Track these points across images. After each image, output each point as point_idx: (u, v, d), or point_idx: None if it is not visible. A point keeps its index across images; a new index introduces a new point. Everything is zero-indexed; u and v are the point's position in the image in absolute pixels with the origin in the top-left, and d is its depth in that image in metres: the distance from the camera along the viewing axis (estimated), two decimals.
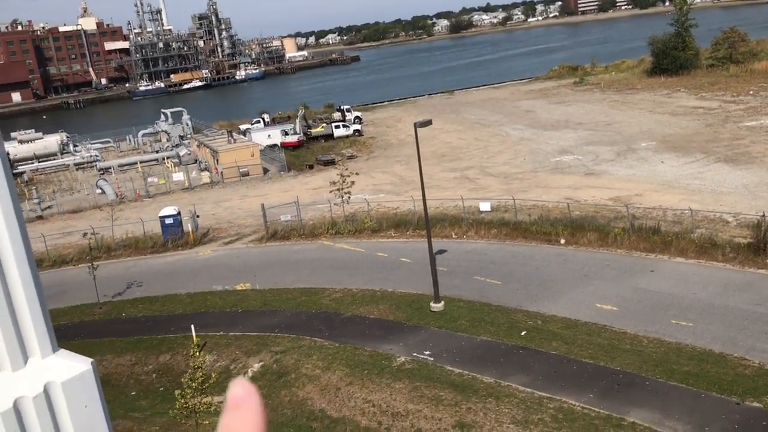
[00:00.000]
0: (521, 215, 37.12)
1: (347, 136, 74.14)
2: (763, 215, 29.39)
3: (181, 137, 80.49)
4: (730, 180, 40.59)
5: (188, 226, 41.75)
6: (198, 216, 43.54)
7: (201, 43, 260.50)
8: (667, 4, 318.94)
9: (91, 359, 1.39)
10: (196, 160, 67.24)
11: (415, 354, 24.09)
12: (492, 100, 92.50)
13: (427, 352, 24.10)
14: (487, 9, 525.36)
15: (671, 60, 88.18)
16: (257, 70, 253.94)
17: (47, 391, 1.29)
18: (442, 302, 27.54)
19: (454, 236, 36.49)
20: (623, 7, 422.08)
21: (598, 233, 33.18)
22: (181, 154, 69.87)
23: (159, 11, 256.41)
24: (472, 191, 44.97)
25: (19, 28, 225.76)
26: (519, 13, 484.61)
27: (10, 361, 1.21)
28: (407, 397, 21.60)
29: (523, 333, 24.63)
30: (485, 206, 38.64)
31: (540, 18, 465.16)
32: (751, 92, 69.32)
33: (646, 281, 27.97)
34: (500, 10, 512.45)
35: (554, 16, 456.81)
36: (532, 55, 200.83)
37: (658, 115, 64.17)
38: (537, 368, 22.31)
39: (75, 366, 1.32)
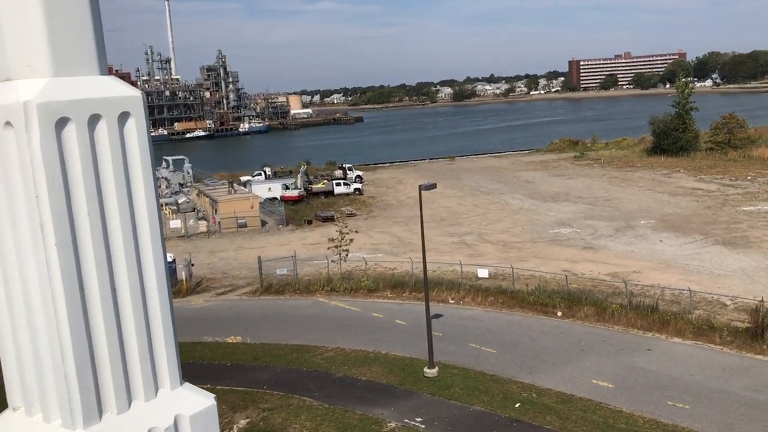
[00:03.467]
0: (518, 284, 36.94)
1: (347, 194, 74.50)
2: (762, 300, 29.27)
3: (181, 185, 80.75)
4: (728, 263, 40.62)
5: (182, 274, 41.39)
6: (193, 264, 43.22)
7: (207, 94, 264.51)
8: (667, 86, 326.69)
9: (214, 395, 1.30)
10: (194, 209, 67.25)
11: (406, 420, 23.52)
12: (492, 168, 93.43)
13: (419, 419, 23.53)
14: (491, 80, 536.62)
15: (672, 141, 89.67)
16: (261, 124, 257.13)
17: (176, 423, 1.22)
18: (437, 368, 27.07)
19: (451, 301, 36.20)
20: (625, 87, 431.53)
21: (595, 308, 32.96)
22: (179, 201, 69.93)
23: (168, 60, 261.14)
24: (470, 257, 44.86)
25: None
26: (522, 85, 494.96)
27: (144, 391, 1.15)
28: None
29: (517, 405, 24.13)
30: (483, 273, 38.48)
31: (542, 92, 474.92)
32: (749, 177, 70.17)
33: (643, 360, 27.61)
34: (503, 81, 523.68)
35: (556, 91, 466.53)
36: (533, 127, 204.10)
37: (658, 194, 64.73)
38: None
39: (201, 400, 1.25)
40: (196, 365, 29.30)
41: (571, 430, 22.21)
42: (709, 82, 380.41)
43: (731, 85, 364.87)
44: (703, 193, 63.56)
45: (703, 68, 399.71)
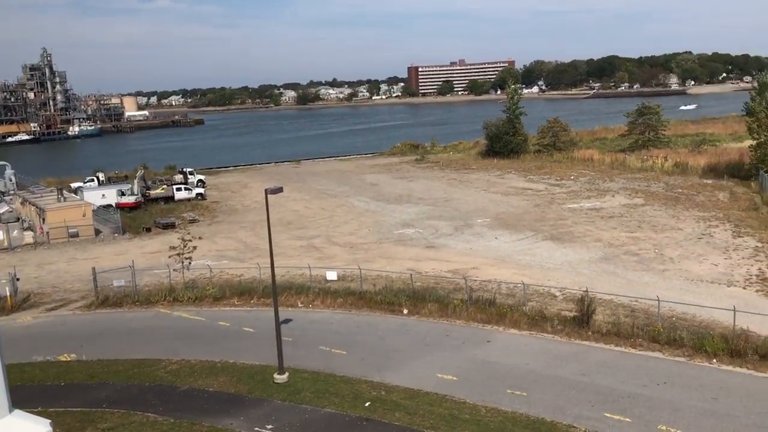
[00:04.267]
0: (366, 285, 37.54)
1: (189, 200, 72.07)
2: (586, 290, 31.82)
3: (2, 193, 74.22)
4: (556, 257, 43.79)
5: (5, 290, 37.98)
6: (18, 279, 39.81)
7: (31, 94, 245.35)
8: (499, 92, 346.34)
9: (49, 420, 1.16)
10: (18, 218, 61.93)
11: (256, 428, 23.10)
12: (338, 171, 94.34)
13: (270, 426, 23.21)
14: (334, 84, 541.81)
15: (503, 144, 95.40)
16: (92, 127, 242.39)
17: None
18: (287, 373, 26.85)
19: (300, 305, 36.07)
20: (460, 92, 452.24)
21: (438, 304, 34.23)
22: (0, 211, 64.12)
23: None
24: (319, 260, 44.99)
25: None
26: (364, 90, 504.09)
27: None
28: None
29: (367, 404, 24.50)
30: (332, 275, 38.70)
31: (384, 96, 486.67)
32: (572, 177, 76.13)
33: (484, 352, 29.06)
34: (346, 86, 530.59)
35: (397, 96, 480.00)
36: (376, 131, 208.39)
37: (492, 194, 68.48)
38: None
39: (34, 428, 1.11)
40: (24, 388, 26.97)
41: (419, 425, 22.89)
42: (535, 89, 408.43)
43: (555, 92, 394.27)
44: (533, 192, 68.08)
45: (530, 76, 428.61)
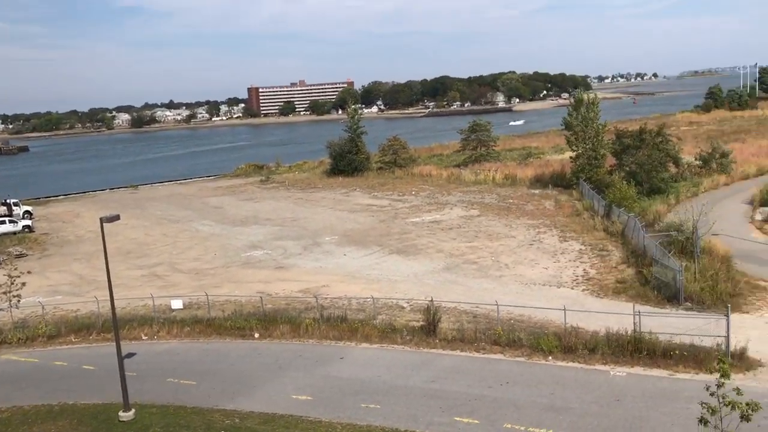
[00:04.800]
0: (214, 311, 36.65)
1: (15, 233, 66.55)
2: (431, 300, 33.12)
3: None
4: (402, 269, 45.17)
5: None
6: None
7: None
8: (340, 112, 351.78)
9: None
10: None
11: None
12: (179, 195, 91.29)
13: None
14: (171, 106, 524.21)
15: (347, 162, 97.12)
16: None
17: None
18: (133, 410, 25.54)
19: (144, 337, 34.45)
20: (302, 113, 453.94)
21: (290, 325, 34.11)
22: None
23: None
24: (162, 289, 43.26)
25: None
26: (203, 112, 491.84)
27: None
28: None
29: None
30: (177, 304, 37.35)
31: (224, 118, 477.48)
32: (413, 192, 78.94)
33: (337, 368, 29.34)
34: (184, 107, 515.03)
35: (238, 117, 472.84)
36: (218, 153, 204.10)
37: (339, 211, 69.36)
38: None
39: None
40: None
41: None
42: (375, 109, 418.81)
43: (393, 111, 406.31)
44: (377, 208, 69.78)
45: (369, 96, 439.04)
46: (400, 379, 27.80)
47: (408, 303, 36.97)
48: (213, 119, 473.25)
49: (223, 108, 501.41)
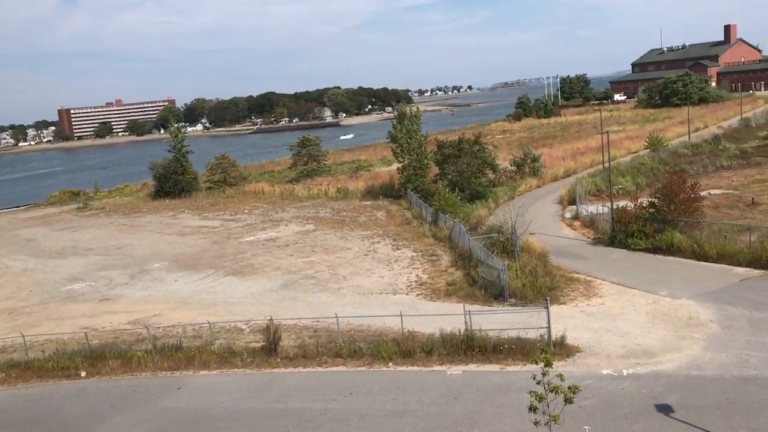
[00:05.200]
0: (33, 353, 33.64)
1: None
2: (271, 319, 32.66)
3: None
4: (240, 290, 44.17)
5: None
6: None
7: None
8: (162, 132, 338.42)
9: None
10: None
11: None
12: None
13: None
14: None
15: (173, 183, 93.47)
16: None
17: None
18: None
19: None
20: (120, 134, 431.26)
21: (120, 359, 32.12)
22: None
23: None
24: None
25: None
26: (8, 137, 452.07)
27: None
28: None
29: None
30: None
31: (33, 143, 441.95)
32: (246, 211, 77.62)
33: (175, 399, 28.03)
34: None
35: (48, 141, 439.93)
36: (29, 181, 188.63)
37: (167, 235, 66.50)
38: None
39: None
40: None
41: None
42: (200, 127, 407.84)
43: (219, 129, 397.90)
44: (209, 229, 67.79)
45: (192, 113, 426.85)
46: (242, 402, 27.11)
47: (247, 324, 36.19)
48: (20, 144, 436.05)
49: (31, 132, 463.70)
